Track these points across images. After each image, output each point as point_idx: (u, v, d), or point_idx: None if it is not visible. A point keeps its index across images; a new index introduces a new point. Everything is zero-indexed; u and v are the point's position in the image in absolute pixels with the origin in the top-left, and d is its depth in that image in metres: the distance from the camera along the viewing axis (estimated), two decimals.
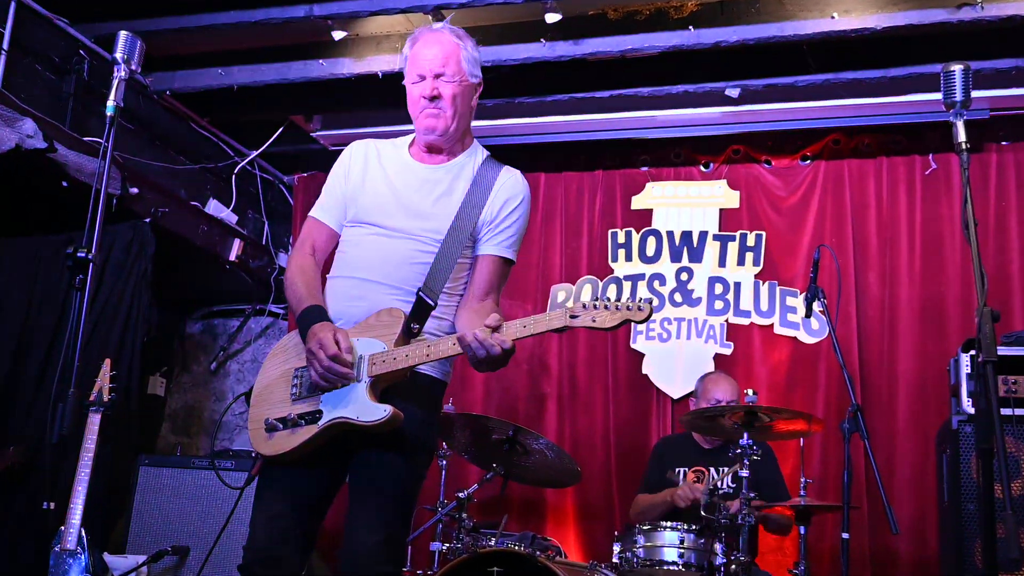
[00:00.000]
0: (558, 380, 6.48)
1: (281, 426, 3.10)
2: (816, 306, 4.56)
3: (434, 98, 3.20)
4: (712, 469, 5.28)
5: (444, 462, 5.27)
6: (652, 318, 3.43)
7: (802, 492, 4.56)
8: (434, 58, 3.22)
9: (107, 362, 4.80)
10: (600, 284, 6.50)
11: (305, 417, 3.08)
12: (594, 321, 2.87)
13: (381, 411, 2.99)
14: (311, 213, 3.40)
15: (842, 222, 6.19)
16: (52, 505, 3.65)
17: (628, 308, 2.87)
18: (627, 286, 6.44)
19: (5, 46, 5.23)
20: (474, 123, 3.39)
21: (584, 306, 2.89)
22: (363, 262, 3.22)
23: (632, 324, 2.91)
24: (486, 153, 3.39)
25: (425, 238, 3.18)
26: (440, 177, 3.27)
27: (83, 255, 3.12)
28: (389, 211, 3.23)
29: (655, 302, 3.50)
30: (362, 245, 3.25)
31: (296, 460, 3.11)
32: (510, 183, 3.30)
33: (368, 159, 3.37)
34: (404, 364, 3.02)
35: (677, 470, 5.38)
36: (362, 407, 3.02)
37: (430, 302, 3.12)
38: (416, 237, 3.18)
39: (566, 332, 3.02)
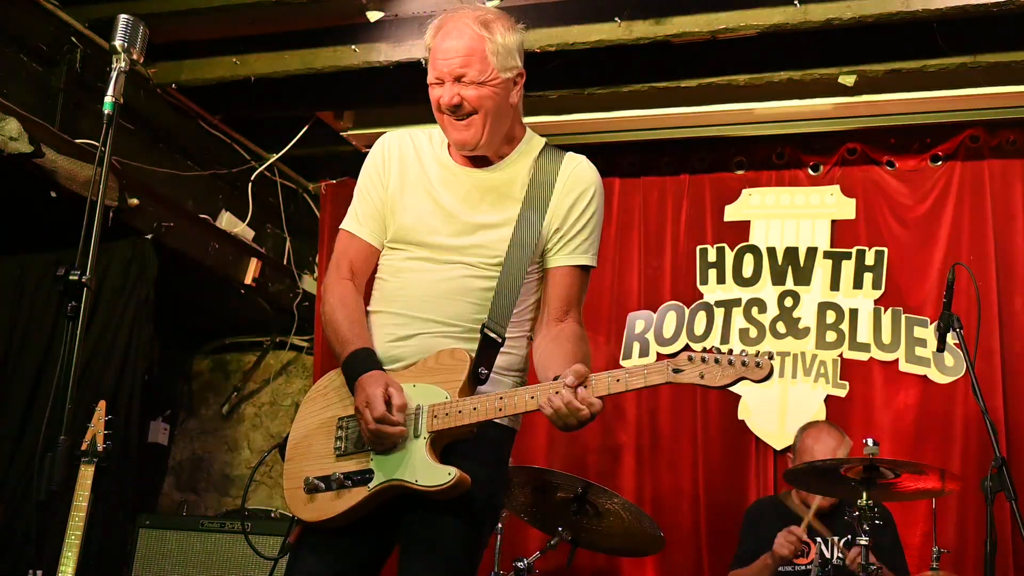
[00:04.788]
0: (636, 427, 6.45)
1: (324, 486, 3.11)
2: (951, 338, 4.51)
3: (455, 107, 3.15)
4: (819, 540, 5.23)
5: (500, 525, 5.26)
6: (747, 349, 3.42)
7: (934, 565, 4.50)
8: (453, 56, 3.13)
9: (101, 405, 4.83)
10: (687, 312, 6.47)
11: (352, 477, 3.08)
12: (702, 377, 2.84)
13: (444, 475, 2.98)
14: (343, 226, 3.38)
15: (982, 236, 6.13)
16: (39, 574, 3.69)
17: (744, 363, 2.83)
18: (719, 314, 6.40)
19: None
20: (536, 119, 3.40)
21: (690, 358, 2.87)
22: (408, 294, 3.21)
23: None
24: (543, 142, 3.35)
25: (481, 261, 3.18)
26: (490, 182, 3.25)
27: (76, 278, 3.10)
28: (435, 228, 3.22)
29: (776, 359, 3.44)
30: (404, 273, 3.24)
31: (340, 526, 3.12)
32: (576, 173, 3.26)
33: (405, 159, 3.34)
34: (471, 419, 3.01)
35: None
36: (421, 468, 3.01)
37: (498, 339, 3.12)
38: (470, 261, 3.18)
39: None
